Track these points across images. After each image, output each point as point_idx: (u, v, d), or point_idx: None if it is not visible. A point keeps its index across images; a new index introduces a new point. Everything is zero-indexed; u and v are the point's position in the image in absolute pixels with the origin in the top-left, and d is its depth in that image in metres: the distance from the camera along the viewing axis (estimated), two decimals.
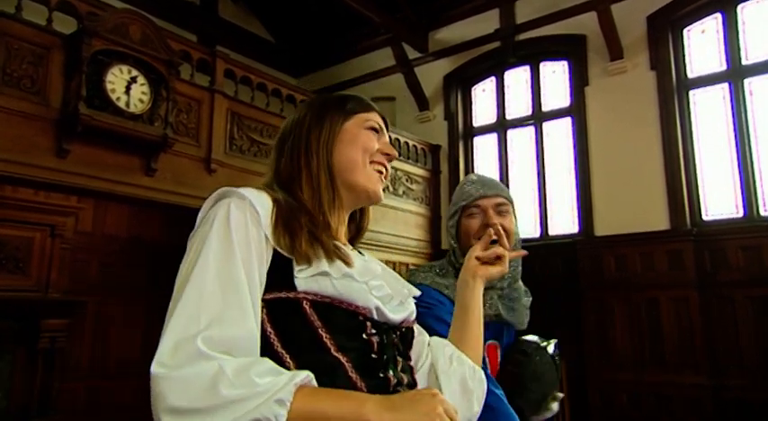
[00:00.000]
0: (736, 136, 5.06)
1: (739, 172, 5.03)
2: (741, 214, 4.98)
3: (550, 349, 1.43)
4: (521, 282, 1.46)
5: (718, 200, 5.11)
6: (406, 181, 6.19)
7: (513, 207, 1.43)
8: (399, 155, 6.07)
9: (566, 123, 5.93)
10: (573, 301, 5.26)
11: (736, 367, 4.64)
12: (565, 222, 5.79)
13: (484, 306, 1.25)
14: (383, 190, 0.99)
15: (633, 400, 4.92)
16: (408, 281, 1.28)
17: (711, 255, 4.87)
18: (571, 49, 5.85)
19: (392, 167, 6.59)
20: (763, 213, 4.91)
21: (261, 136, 4.89)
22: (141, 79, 3.84)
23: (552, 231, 5.88)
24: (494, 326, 1.40)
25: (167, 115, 3.97)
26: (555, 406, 1.44)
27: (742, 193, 5.00)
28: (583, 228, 5.54)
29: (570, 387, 4.72)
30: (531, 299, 1.50)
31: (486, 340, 1.31)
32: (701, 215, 5.13)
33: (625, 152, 5.36)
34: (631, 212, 5.21)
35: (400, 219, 5.96)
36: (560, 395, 1.46)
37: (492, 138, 6.50)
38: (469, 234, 1.39)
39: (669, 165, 5.17)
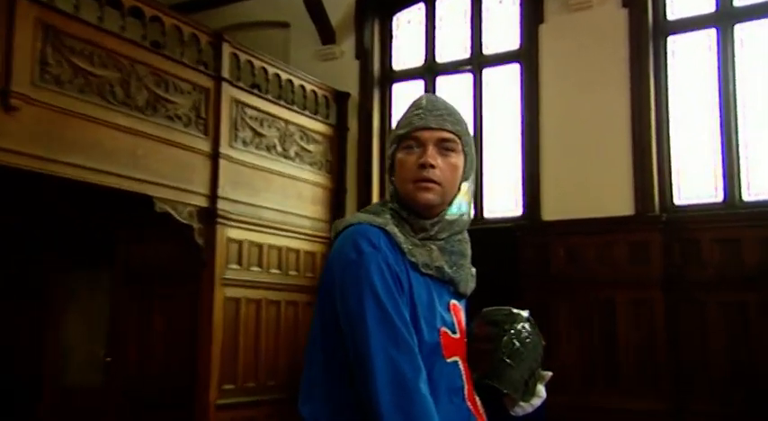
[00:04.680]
0: (720, 96, 4.62)
1: (721, 145, 4.59)
2: (720, 198, 4.61)
3: (525, 314, 1.26)
4: (467, 237, 1.29)
5: (695, 180, 4.77)
6: (301, 139, 5.24)
7: (466, 146, 1.24)
8: (293, 102, 5.26)
9: (512, 71, 5.43)
10: (508, 302, 4.54)
11: (705, 388, 4.31)
12: (504, 202, 5.39)
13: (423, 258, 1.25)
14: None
15: None
16: (336, 233, 1.27)
17: (682, 249, 4.54)
18: None
19: (282, 120, 5.09)
20: (745, 198, 4.52)
21: (92, 65, 3.83)
22: None
23: (488, 213, 5.40)
24: (438, 286, 1.20)
25: None
26: (542, 390, 1.29)
27: (723, 172, 4.58)
28: (527, 211, 5.17)
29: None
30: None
31: (447, 298, 1.26)
32: (672, 198, 4.78)
33: (585, 113, 4.92)
34: (588, 192, 4.87)
35: (290, 191, 5.09)
36: (548, 374, 1.31)
37: (417, 87, 5.90)
38: (404, 173, 1.24)
39: (638, 132, 4.74)
